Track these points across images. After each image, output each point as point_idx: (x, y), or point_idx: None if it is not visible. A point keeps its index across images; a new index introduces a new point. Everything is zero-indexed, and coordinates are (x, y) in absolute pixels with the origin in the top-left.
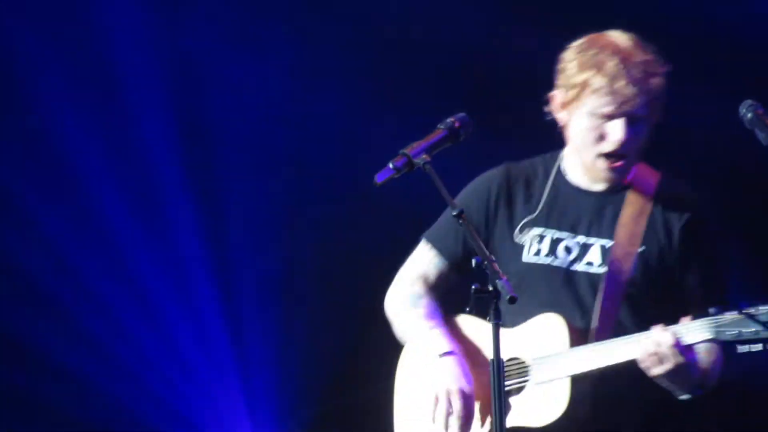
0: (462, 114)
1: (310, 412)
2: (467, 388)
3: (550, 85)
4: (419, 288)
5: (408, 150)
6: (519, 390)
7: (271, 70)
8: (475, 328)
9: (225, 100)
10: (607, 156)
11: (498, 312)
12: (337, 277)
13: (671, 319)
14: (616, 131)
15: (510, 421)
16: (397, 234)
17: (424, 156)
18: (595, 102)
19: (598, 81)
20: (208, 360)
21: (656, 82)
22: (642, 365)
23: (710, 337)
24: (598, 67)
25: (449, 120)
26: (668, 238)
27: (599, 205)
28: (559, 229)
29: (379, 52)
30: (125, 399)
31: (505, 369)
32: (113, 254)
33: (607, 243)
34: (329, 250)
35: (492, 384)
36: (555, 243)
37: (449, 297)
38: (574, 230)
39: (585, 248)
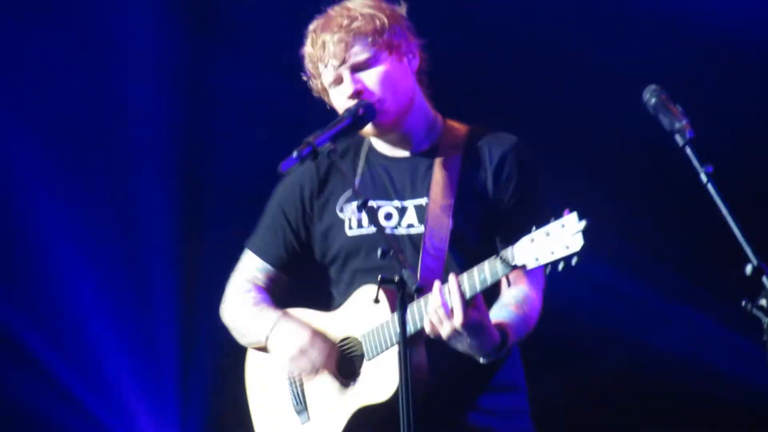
0: (365, 101)
1: None
2: (309, 339)
3: None
4: (248, 289)
5: (312, 138)
6: (352, 370)
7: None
8: (312, 316)
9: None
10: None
11: (404, 303)
12: None
13: (491, 238)
14: (346, 89)
15: (356, 402)
16: None
17: (328, 144)
18: (324, 74)
19: (310, 55)
20: None
21: (360, 25)
22: (430, 332)
23: (493, 274)
24: (309, 43)
25: (352, 107)
26: (482, 182)
27: (411, 168)
28: (377, 198)
29: None
30: None
31: (340, 350)
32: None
33: (423, 201)
34: None
35: (400, 380)
36: (374, 211)
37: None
38: (390, 196)
39: (403, 211)
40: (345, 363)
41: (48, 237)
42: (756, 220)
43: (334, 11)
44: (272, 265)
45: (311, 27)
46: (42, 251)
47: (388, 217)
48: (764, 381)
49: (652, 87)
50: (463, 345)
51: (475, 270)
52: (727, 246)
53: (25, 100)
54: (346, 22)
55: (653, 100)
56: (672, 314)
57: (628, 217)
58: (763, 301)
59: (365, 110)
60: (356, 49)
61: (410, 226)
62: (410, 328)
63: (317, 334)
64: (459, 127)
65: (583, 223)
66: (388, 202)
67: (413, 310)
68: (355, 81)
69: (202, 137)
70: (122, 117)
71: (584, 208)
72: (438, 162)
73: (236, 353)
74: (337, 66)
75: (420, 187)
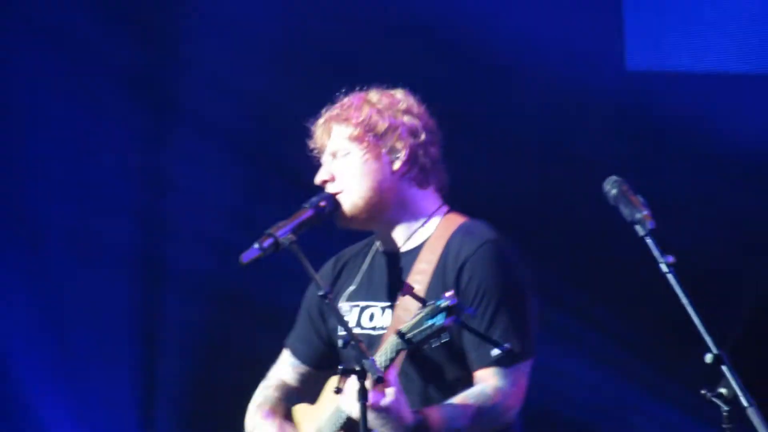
0: (327, 194)
1: None
2: None
3: None
4: (270, 393)
5: (274, 230)
6: None
7: None
8: (303, 412)
9: None
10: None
11: (365, 391)
12: None
13: (460, 367)
14: (318, 175)
15: None
16: None
17: (290, 236)
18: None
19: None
20: None
21: (344, 113)
22: (348, 413)
23: (392, 351)
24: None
25: (314, 199)
26: (444, 286)
27: (398, 266)
28: (366, 298)
29: None
30: None
31: None
32: None
33: (395, 304)
34: None
35: None
36: (362, 311)
37: None
38: (377, 297)
39: (384, 311)
40: None
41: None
42: (716, 307)
43: (345, 99)
44: (303, 363)
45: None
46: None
47: (371, 317)
48: None
49: (613, 178)
50: (374, 425)
51: (381, 349)
52: (688, 334)
53: None
54: (335, 111)
55: (614, 191)
56: (634, 401)
57: (587, 304)
58: (722, 390)
59: (327, 202)
60: (334, 137)
61: (382, 327)
62: (344, 416)
63: None
64: (454, 221)
65: (447, 302)
66: (375, 303)
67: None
68: (324, 170)
69: (162, 224)
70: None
71: (544, 295)
72: (417, 262)
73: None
74: (321, 152)
75: (395, 288)
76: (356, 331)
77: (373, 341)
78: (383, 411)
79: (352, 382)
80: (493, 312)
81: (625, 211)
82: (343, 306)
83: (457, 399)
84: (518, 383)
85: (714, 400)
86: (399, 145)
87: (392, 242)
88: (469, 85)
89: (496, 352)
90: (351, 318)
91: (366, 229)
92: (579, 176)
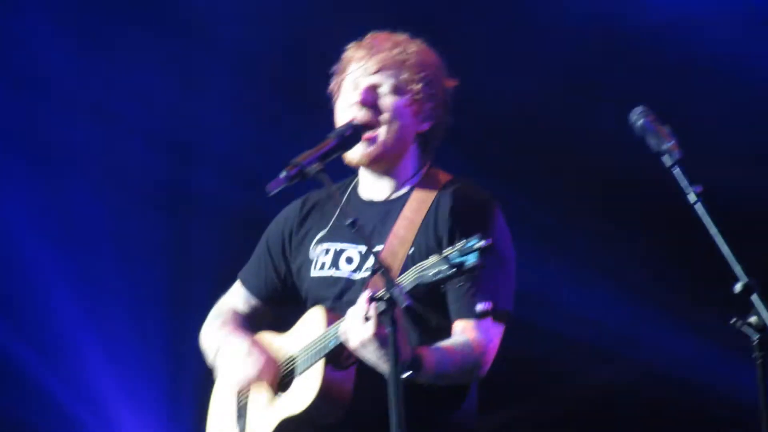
0: (352, 124)
1: None
2: (246, 350)
3: None
4: (222, 313)
5: (300, 159)
6: (287, 385)
7: None
8: (270, 338)
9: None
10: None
11: (394, 320)
12: None
13: (443, 316)
14: (356, 95)
15: (279, 414)
16: None
17: (316, 165)
18: (350, 72)
19: (351, 53)
20: None
21: (410, 59)
22: (344, 340)
23: (413, 282)
24: (356, 43)
25: (339, 129)
26: (439, 237)
27: (382, 213)
28: (343, 241)
29: None
30: None
31: (280, 368)
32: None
33: (380, 248)
34: None
35: (390, 396)
36: (338, 255)
37: None
38: (354, 240)
39: (365, 256)
40: (287, 379)
41: (35, 250)
42: (745, 239)
43: (400, 36)
44: (255, 296)
45: (372, 32)
46: (31, 267)
47: (349, 260)
48: (753, 398)
49: (639, 108)
50: (371, 355)
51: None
52: (716, 265)
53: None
54: (399, 50)
55: (640, 122)
56: (663, 332)
57: (618, 236)
58: (752, 318)
59: (353, 132)
60: (392, 73)
61: (367, 270)
62: (332, 343)
63: (255, 347)
64: (441, 177)
65: (482, 242)
66: (354, 246)
67: (338, 327)
68: (369, 93)
69: (191, 155)
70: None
71: (572, 225)
72: (406, 208)
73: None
74: (367, 73)
75: (381, 234)
76: (333, 272)
77: (352, 284)
78: (386, 342)
79: (374, 310)
80: (480, 267)
81: (652, 141)
82: (314, 248)
83: (444, 345)
84: (495, 341)
85: (744, 329)
86: (434, 112)
87: (379, 189)
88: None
89: (480, 306)
90: (326, 260)
91: (367, 168)
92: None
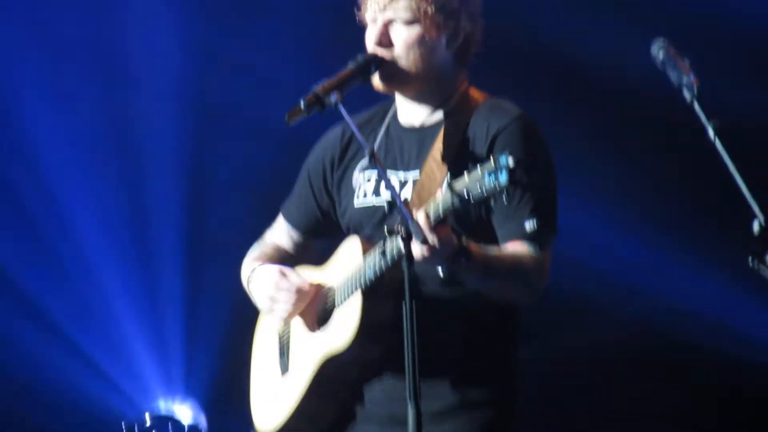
0: (371, 53)
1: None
2: (289, 276)
3: None
4: (267, 250)
5: (319, 89)
6: (327, 318)
7: None
8: (308, 271)
9: None
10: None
11: (410, 255)
12: None
13: (486, 237)
14: (373, 34)
15: (320, 351)
16: None
17: (336, 94)
18: (367, 9)
19: None
20: None
21: None
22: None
23: (447, 207)
24: None
25: (359, 57)
26: (478, 158)
27: (419, 139)
28: (385, 168)
29: None
30: None
31: (320, 302)
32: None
33: (418, 174)
34: None
35: (404, 325)
36: (378, 182)
37: None
38: (396, 167)
39: (404, 184)
40: (326, 313)
41: (56, 193)
42: (764, 177)
43: None
44: (296, 228)
45: None
46: (51, 206)
47: (388, 186)
48: None
49: (660, 40)
50: (436, 262)
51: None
52: (735, 203)
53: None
54: None
55: (661, 54)
56: (680, 272)
57: (634, 176)
58: None
59: (371, 62)
60: (401, 4)
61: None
62: (371, 274)
63: (287, 275)
64: (476, 97)
65: (512, 160)
66: (393, 173)
67: (374, 257)
68: (383, 31)
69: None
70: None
71: (589, 167)
72: (441, 134)
73: (244, 315)
74: (378, 9)
75: (418, 160)
76: (374, 200)
77: (391, 210)
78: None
79: (398, 245)
80: (524, 185)
81: (672, 74)
82: (358, 176)
83: (497, 249)
84: (547, 259)
85: (762, 270)
86: (458, 28)
87: (415, 114)
88: None
89: (529, 225)
90: (368, 188)
91: (397, 93)
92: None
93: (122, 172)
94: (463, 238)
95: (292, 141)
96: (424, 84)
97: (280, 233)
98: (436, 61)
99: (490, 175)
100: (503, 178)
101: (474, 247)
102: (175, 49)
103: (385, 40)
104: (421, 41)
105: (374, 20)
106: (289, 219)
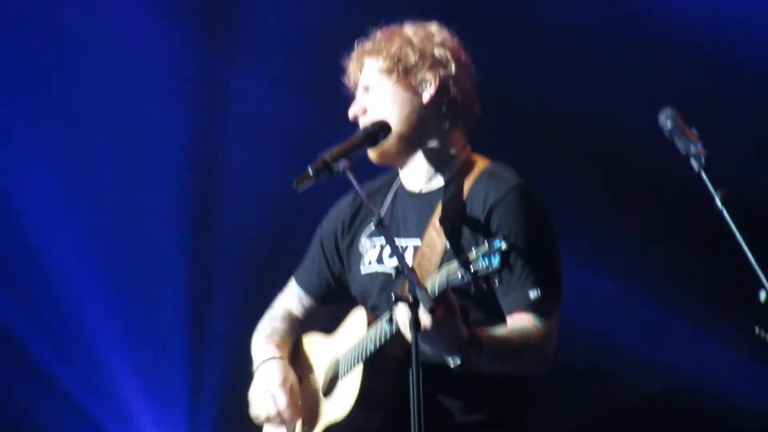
0: (381, 121)
1: None
2: (287, 388)
3: None
4: (274, 315)
5: (327, 155)
6: (332, 389)
7: None
8: (317, 341)
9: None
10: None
11: (417, 322)
12: None
13: (490, 307)
14: (351, 109)
15: (324, 420)
16: None
17: (344, 161)
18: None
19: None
20: None
21: (378, 46)
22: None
23: (438, 286)
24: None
25: (369, 125)
26: (477, 228)
27: (420, 206)
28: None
29: None
30: None
31: (325, 373)
32: None
33: (418, 242)
34: None
35: (411, 392)
36: (382, 249)
37: None
38: (398, 234)
39: (404, 250)
40: (333, 382)
41: (52, 239)
42: None
43: (377, 30)
44: (309, 294)
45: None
46: (46, 253)
47: (391, 255)
48: None
49: (668, 110)
50: (427, 341)
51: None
52: (742, 271)
53: (44, 114)
54: (368, 45)
55: (669, 123)
56: (686, 338)
57: (644, 239)
58: None
59: (379, 129)
60: (366, 71)
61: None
62: (371, 347)
63: (285, 385)
64: (478, 163)
65: (504, 245)
66: (396, 240)
67: (376, 328)
68: (356, 104)
69: (215, 150)
70: (137, 134)
71: (600, 227)
72: (442, 202)
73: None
74: (354, 86)
75: (419, 228)
76: (377, 268)
77: (395, 279)
78: (442, 327)
79: (404, 312)
80: (525, 256)
81: (680, 143)
82: (365, 242)
83: (502, 329)
84: (553, 327)
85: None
86: (429, 75)
87: (415, 180)
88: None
89: (533, 294)
90: (373, 255)
91: (393, 165)
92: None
93: (124, 226)
94: (473, 329)
95: (299, 202)
96: (413, 144)
97: (292, 298)
98: (417, 116)
99: (483, 258)
100: (495, 261)
101: (483, 335)
102: (183, 103)
103: (359, 110)
104: (391, 99)
105: (355, 94)
106: (302, 284)
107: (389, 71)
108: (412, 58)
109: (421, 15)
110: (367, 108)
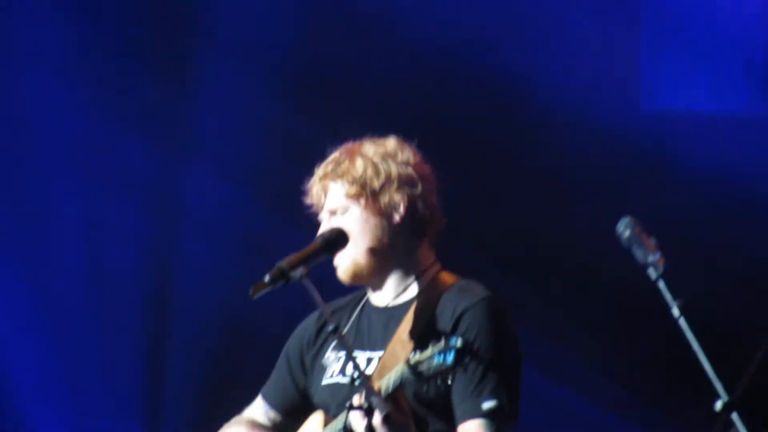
0: (338, 228)
1: None
2: None
3: None
4: (240, 422)
5: (284, 263)
6: None
7: None
8: None
9: None
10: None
11: (371, 428)
12: None
13: (450, 418)
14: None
15: None
16: None
17: (301, 269)
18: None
19: (310, 186)
20: None
21: (339, 169)
22: None
23: (392, 384)
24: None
25: (326, 232)
26: (440, 336)
27: (386, 319)
28: (353, 348)
29: None
30: None
31: None
32: None
33: (381, 354)
34: None
35: None
36: (346, 362)
37: None
38: (363, 347)
39: (369, 362)
40: None
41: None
42: (726, 355)
43: (335, 153)
44: (274, 408)
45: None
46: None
47: (349, 364)
48: None
49: (627, 219)
50: None
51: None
52: (698, 380)
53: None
54: (330, 167)
55: (627, 233)
56: None
57: (598, 348)
58: None
59: (336, 236)
60: (331, 195)
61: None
62: None
63: None
64: (447, 280)
65: (460, 342)
66: (361, 352)
67: (331, 428)
68: (323, 228)
69: (172, 250)
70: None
71: (554, 335)
72: (408, 316)
73: None
74: (319, 209)
75: (383, 340)
76: (339, 379)
77: (355, 390)
78: (393, 428)
79: (359, 420)
80: (486, 366)
81: (638, 253)
82: (330, 355)
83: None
84: None
85: None
86: (396, 197)
87: (383, 295)
88: (484, 118)
89: (488, 404)
90: (337, 367)
91: (365, 284)
92: (592, 212)
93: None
94: None
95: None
96: (382, 266)
97: (257, 410)
98: (387, 240)
99: (439, 354)
100: (450, 358)
101: None
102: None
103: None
104: (361, 225)
105: (321, 217)
106: (268, 399)
107: (357, 196)
108: (378, 180)
109: (383, 129)
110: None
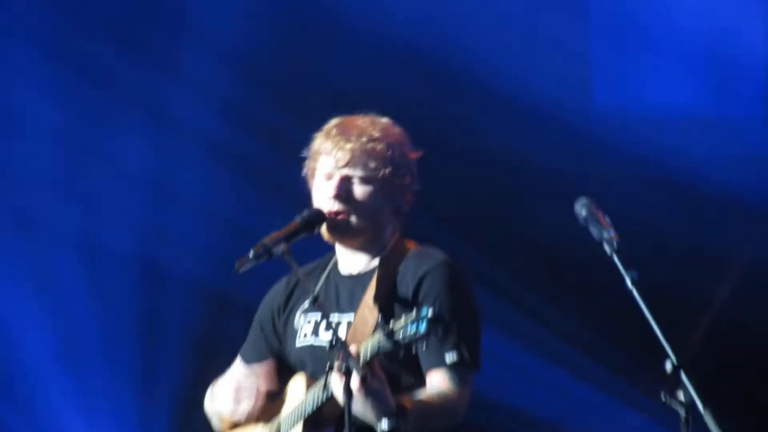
0: (315, 209)
1: None
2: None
3: None
4: (225, 382)
5: (267, 240)
6: None
7: None
8: (264, 408)
9: None
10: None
11: (349, 390)
12: None
13: (418, 372)
14: (331, 189)
15: None
16: None
17: (282, 245)
18: (321, 163)
19: (320, 143)
20: None
21: (376, 147)
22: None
23: (370, 354)
24: (325, 132)
25: (305, 212)
26: (406, 301)
27: (353, 285)
28: (323, 311)
29: None
30: None
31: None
32: None
33: (351, 318)
34: None
35: None
36: (318, 324)
37: None
38: (332, 310)
39: (338, 325)
40: None
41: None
42: (674, 321)
43: (363, 120)
44: (251, 366)
45: (336, 120)
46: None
47: (328, 328)
48: None
49: (583, 199)
50: (359, 408)
51: (367, 341)
52: (649, 344)
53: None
54: (364, 139)
55: (584, 212)
56: (599, 405)
57: (558, 316)
58: (680, 395)
59: (315, 217)
60: (361, 164)
61: (343, 337)
62: (309, 408)
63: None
64: (407, 246)
65: (432, 312)
66: (333, 315)
67: (314, 393)
68: (342, 186)
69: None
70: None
71: (515, 304)
72: (374, 280)
73: None
74: (338, 165)
75: (352, 304)
76: (313, 341)
77: (329, 351)
78: (371, 394)
79: (337, 380)
80: (447, 321)
81: (594, 230)
82: (300, 319)
83: (424, 396)
84: (467, 389)
85: (673, 405)
86: (407, 187)
87: (353, 264)
88: (445, 109)
89: (451, 356)
90: (309, 328)
91: (339, 245)
92: (549, 195)
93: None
94: (399, 398)
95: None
96: (367, 236)
97: (236, 371)
98: (385, 216)
99: (412, 324)
100: (423, 327)
101: (408, 403)
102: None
103: (343, 195)
104: (377, 197)
105: (330, 176)
106: (246, 359)
107: (381, 176)
108: (402, 170)
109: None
110: (349, 196)
